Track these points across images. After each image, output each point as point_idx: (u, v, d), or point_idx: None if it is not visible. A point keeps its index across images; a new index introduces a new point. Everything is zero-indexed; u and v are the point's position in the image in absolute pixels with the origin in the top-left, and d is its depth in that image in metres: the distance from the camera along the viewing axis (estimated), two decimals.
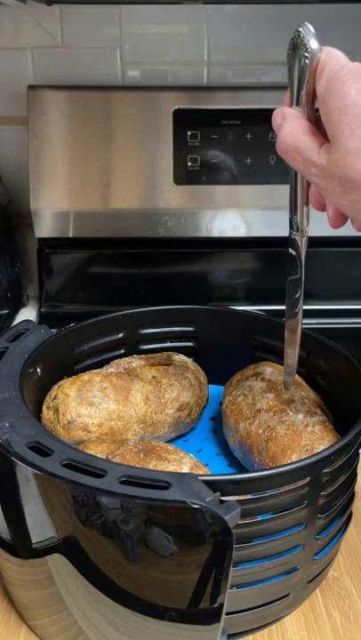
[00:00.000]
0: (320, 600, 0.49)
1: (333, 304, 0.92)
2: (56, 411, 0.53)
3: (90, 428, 0.54)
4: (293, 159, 0.40)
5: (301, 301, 0.51)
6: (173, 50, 0.90)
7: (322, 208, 0.44)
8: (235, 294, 0.93)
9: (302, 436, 0.51)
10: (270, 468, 0.41)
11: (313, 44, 0.39)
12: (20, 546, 0.43)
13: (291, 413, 0.53)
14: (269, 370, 0.59)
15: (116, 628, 0.41)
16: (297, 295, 0.51)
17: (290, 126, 0.40)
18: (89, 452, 0.46)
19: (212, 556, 0.36)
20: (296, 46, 0.39)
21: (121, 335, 0.65)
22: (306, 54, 0.39)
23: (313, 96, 0.40)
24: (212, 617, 0.38)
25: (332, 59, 0.38)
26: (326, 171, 0.38)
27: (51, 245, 0.91)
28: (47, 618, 0.45)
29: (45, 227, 0.89)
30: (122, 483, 0.37)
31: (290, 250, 0.50)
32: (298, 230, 0.47)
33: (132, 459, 0.46)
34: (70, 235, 0.89)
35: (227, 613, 0.38)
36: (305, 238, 0.48)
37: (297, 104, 0.41)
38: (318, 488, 0.43)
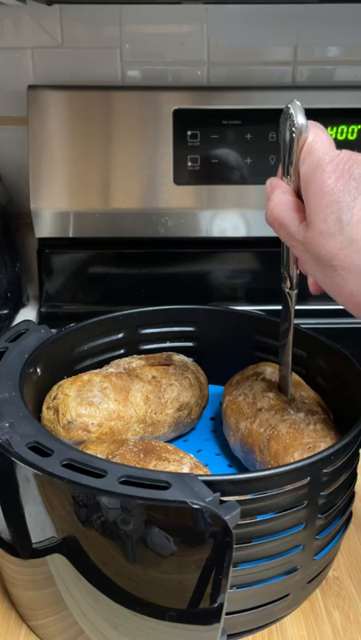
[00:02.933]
0: (320, 600, 0.49)
1: (333, 304, 0.91)
2: (56, 411, 0.53)
3: (90, 428, 0.54)
4: (278, 231, 0.44)
5: (290, 348, 0.54)
6: (173, 50, 0.90)
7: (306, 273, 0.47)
8: (235, 294, 0.93)
9: (304, 433, 0.51)
10: (270, 469, 0.41)
11: (300, 119, 0.42)
12: (20, 546, 0.43)
13: (292, 412, 0.53)
14: (270, 370, 0.59)
15: (115, 628, 0.41)
16: (286, 342, 0.54)
17: (277, 199, 0.43)
18: (89, 452, 0.46)
19: (212, 556, 0.36)
20: (286, 118, 0.43)
21: (121, 335, 0.65)
22: (293, 129, 0.42)
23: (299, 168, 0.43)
24: (212, 617, 0.38)
25: (317, 142, 0.41)
26: (304, 246, 0.41)
27: (51, 245, 0.91)
28: (47, 618, 0.45)
29: (45, 227, 0.89)
30: (122, 483, 0.37)
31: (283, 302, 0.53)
32: (289, 284, 0.50)
33: (131, 459, 0.46)
34: (70, 235, 0.89)
35: (227, 613, 0.38)
36: (295, 292, 0.51)
37: (287, 174, 0.44)
38: (318, 488, 0.43)
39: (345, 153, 0.40)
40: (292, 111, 0.42)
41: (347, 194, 0.39)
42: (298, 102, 0.43)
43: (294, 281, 0.50)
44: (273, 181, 0.45)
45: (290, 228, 0.42)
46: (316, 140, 0.41)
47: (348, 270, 0.39)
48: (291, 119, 0.42)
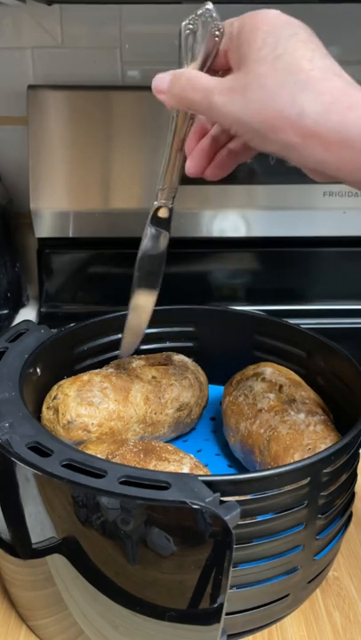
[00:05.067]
0: (320, 600, 0.49)
1: (333, 304, 0.92)
2: (56, 411, 0.53)
3: (90, 428, 0.53)
4: (193, 91, 0.40)
5: (161, 279, 0.52)
6: (173, 50, 0.89)
7: (199, 165, 0.46)
8: (235, 294, 0.93)
9: (304, 435, 0.51)
10: (270, 469, 0.41)
11: (220, 22, 0.42)
12: (20, 546, 0.43)
13: (292, 413, 0.53)
14: (270, 370, 0.59)
15: (115, 629, 0.41)
16: (157, 272, 0.52)
17: (185, 72, 0.41)
18: (89, 452, 0.46)
19: (211, 556, 0.36)
20: (206, 22, 0.42)
21: (121, 335, 0.65)
22: (217, 31, 0.42)
23: (214, 58, 0.42)
24: (212, 617, 0.38)
25: (235, 18, 0.40)
26: (227, 85, 0.39)
27: (51, 245, 0.91)
28: (47, 618, 0.45)
29: (45, 227, 0.89)
30: (122, 483, 0.37)
31: (149, 226, 0.51)
32: (164, 194, 0.49)
33: (131, 459, 0.46)
34: (70, 235, 0.89)
35: (227, 613, 0.38)
36: (172, 207, 0.49)
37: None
38: (318, 488, 0.43)
39: None
40: (215, 14, 0.42)
41: (284, 28, 0.37)
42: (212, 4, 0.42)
43: (174, 192, 0.50)
44: (165, 74, 0.43)
45: (206, 80, 0.40)
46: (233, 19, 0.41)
47: (279, 87, 0.36)
48: (213, 22, 0.42)
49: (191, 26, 0.44)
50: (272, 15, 0.38)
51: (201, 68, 0.43)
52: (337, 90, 0.35)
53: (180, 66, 0.44)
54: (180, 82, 0.41)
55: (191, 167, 0.47)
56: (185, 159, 0.48)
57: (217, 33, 0.42)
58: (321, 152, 0.36)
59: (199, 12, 0.43)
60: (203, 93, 0.40)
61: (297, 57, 0.36)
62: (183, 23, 0.44)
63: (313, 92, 0.35)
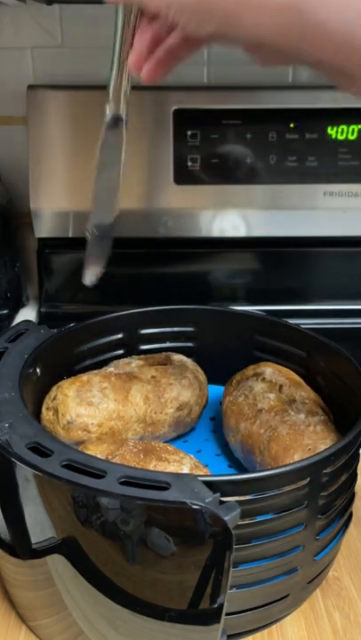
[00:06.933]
0: (320, 600, 0.49)
1: (333, 304, 0.92)
2: (55, 411, 0.53)
3: (90, 428, 0.53)
4: None
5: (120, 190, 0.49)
6: None
7: (140, 64, 0.43)
8: (235, 294, 0.93)
9: (304, 435, 0.51)
10: (270, 469, 0.41)
11: None
12: (20, 546, 0.43)
13: (292, 413, 0.53)
14: (270, 370, 0.59)
15: (115, 629, 0.41)
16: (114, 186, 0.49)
17: None
18: (89, 452, 0.46)
19: (211, 556, 0.36)
20: None
21: (121, 335, 0.65)
22: None
23: None
24: (211, 617, 0.38)
25: None
26: None
27: (50, 245, 0.91)
28: (47, 618, 0.45)
29: (45, 226, 0.89)
30: (122, 483, 0.37)
31: (105, 138, 0.48)
32: (115, 101, 0.46)
33: (131, 459, 0.46)
34: (70, 235, 0.89)
35: (227, 614, 0.38)
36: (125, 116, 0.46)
37: None
38: (318, 489, 0.43)
39: None
40: None
41: None
42: None
43: (125, 94, 0.45)
44: None
45: None
46: None
47: None
48: None
49: None
50: None
51: None
52: None
53: None
54: None
55: (131, 63, 0.43)
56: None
57: None
58: (318, 44, 0.33)
59: None
60: None
61: None
62: None
63: None
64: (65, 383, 0.56)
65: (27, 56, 0.90)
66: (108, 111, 0.47)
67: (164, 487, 0.36)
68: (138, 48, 0.43)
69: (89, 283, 0.48)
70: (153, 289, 0.92)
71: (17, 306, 0.95)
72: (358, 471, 0.49)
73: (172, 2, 0.36)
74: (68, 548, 0.39)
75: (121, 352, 0.65)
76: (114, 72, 0.45)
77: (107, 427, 0.54)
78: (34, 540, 0.41)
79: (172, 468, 0.46)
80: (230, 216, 0.88)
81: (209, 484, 0.37)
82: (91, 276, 0.49)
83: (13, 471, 0.40)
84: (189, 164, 0.86)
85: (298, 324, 0.63)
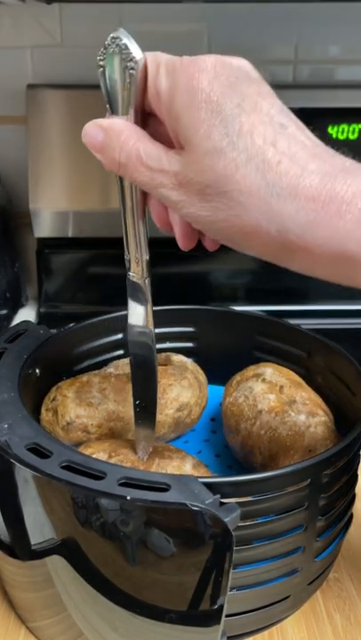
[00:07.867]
0: (321, 602, 0.49)
1: (333, 304, 0.92)
2: (55, 412, 0.53)
3: (89, 428, 0.53)
4: (136, 172, 0.34)
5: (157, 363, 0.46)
6: (173, 49, 0.89)
7: (166, 226, 0.39)
8: (235, 294, 0.93)
9: (305, 436, 0.50)
10: (270, 470, 0.41)
11: (136, 51, 0.34)
12: (19, 547, 0.43)
13: (293, 414, 0.53)
14: (270, 371, 0.59)
15: (115, 630, 0.41)
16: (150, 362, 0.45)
17: (123, 135, 0.34)
18: (88, 453, 0.46)
19: (212, 557, 0.36)
20: (114, 53, 0.34)
21: (120, 336, 0.65)
22: (132, 64, 0.34)
23: (141, 108, 0.35)
24: (212, 619, 0.37)
25: (159, 56, 0.34)
26: (180, 177, 0.33)
27: (50, 245, 0.91)
28: (46, 619, 0.45)
29: (45, 227, 0.88)
30: (121, 485, 0.37)
31: (129, 298, 0.44)
32: (140, 270, 0.42)
33: (134, 457, 0.46)
34: (70, 235, 0.89)
35: (227, 615, 0.38)
36: (148, 280, 0.42)
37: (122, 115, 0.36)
38: (319, 490, 0.43)
39: (202, 56, 0.32)
40: (125, 41, 0.34)
41: (228, 98, 0.31)
42: (123, 30, 0.34)
43: (145, 263, 0.41)
44: (103, 122, 0.35)
45: (155, 161, 0.33)
46: (155, 54, 0.34)
47: (248, 194, 0.31)
48: (124, 52, 0.33)
49: (102, 62, 0.35)
50: (208, 76, 0.32)
51: (126, 113, 0.35)
52: (315, 189, 0.30)
53: (111, 102, 0.36)
54: (125, 150, 0.34)
55: (180, 242, 0.39)
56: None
57: (131, 65, 0.34)
58: (311, 264, 0.32)
59: (106, 41, 0.34)
60: (150, 176, 0.34)
61: (256, 143, 0.31)
62: (98, 58, 0.35)
63: (289, 199, 0.30)
64: (64, 384, 0.55)
65: (26, 55, 0.90)
66: (131, 273, 0.42)
67: (163, 488, 0.36)
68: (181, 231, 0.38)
69: (142, 457, 0.47)
70: (153, 289, 0.92)
71: (16, 306, 0.94)
72: (359, 472, 0.49)
73: (202, 224, 0.33)
74: (67, 549, 0.39)
75: (121, 352, 0.65)
76: (125, 233, 0.41)
77: (106, 428, 0.54)
78: (33, 541, 0.41)
79: (174, 464, 0.46)
80: None
81: (209, 486, 0.37)
82: (143, 452, 0.48)
83: (13, 472, 0.39)
84: None
85: (298, 324, 0.62)
